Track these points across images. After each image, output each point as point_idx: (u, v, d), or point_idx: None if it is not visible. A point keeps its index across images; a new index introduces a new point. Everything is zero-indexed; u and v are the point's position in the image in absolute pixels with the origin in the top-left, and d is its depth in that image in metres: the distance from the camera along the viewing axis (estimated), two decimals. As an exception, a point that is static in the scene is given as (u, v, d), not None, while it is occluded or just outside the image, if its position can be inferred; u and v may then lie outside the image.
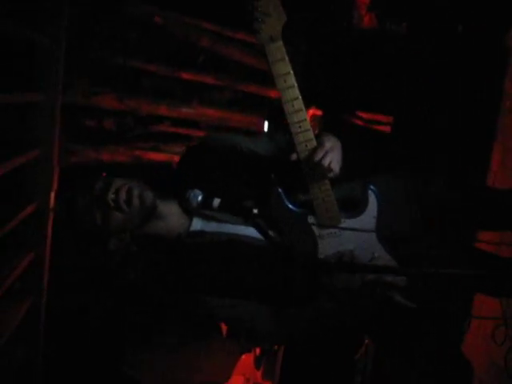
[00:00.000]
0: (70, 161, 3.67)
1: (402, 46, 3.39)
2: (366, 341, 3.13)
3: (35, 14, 2.70)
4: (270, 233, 1.62)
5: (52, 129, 2.94)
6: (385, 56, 3.44)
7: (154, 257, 1.66)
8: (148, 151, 4.19)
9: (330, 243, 1.65)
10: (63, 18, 2.82)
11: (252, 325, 1.67)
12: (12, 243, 2.82)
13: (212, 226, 1.66)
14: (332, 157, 1.56)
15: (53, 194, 2.97)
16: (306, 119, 1.58)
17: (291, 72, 1.55)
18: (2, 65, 2.56)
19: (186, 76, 4.16)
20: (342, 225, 1.63)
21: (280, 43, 1.54)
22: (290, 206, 1.65)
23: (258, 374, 4.27)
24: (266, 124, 4.36)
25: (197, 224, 1.66)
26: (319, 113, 3.82)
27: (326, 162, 1.55)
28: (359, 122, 3.71)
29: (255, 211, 1.52)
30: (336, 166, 1.59)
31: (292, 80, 1.56)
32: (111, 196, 1.55)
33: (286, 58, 1.54)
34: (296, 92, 1.56)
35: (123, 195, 1.56)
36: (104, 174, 1.62)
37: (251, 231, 1.64)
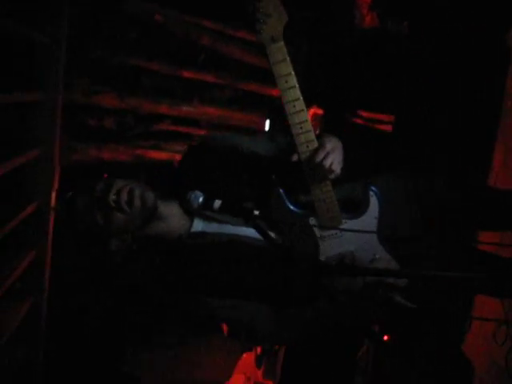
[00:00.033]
0: (71, 159, 3.67)
1: (404, 46, 3.39)
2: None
3: (36, 13, 2.70)
4: (271, 234, 1.62)
5: (52, 128, 2.94)
6: (386, 55, 3.44)
7: (154, 257, 1.66)
8: (149, 150, 4.19)
9: (331, 244, 1.65)
10: (63, 17, 2.82)
11: (252, 325, 1.67)
12: (13, 243, 2.82)
13: (213, 227, 1.66)
14: (333, 158, 1.56)
15: (54, 194, 2.97)
16: (307, 120, 1.57)
17: (292, 73, 1.55)
18: (3, 64, 2.56)
19: (186, 74, 4.15)
20: (343, 226, 1.63)
21: (281, 44, 1.54)
22: (291, 206, 1.65)
23: (259, 373, 4.27)
24: (268, 123, 4.35)
25: (198, 225, 1.65)
26: (320, 112, 3.82)
27: (327, 164, 1.55)
28: (360, 121, 3.71)
29: (256, 213, 1.52)
30: (337, 167, 1.58)
31: (293, 81, 1.55)
32: (112, 197, 1.55)
33: (288, 59, 1.54)
34: (297, 93, 1.56)
35: (125, 196, 1.55)
36: (105, 175, 1.62)
37: (252, 232, 1.64)
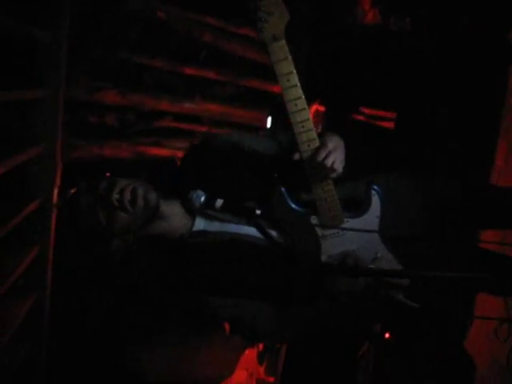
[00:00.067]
0: (72, 156, 3.67)
1: (406, 42, 3.38)
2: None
3: (37, 10, 2.69)
4: (273, 234, 1.62)
5: (54, 125, 2.93)
6: (388, 52, 3.43)
7: (156, 257, 1.66)
8: (150, 146, 4.19)
9: (333, 243, 1.65)
10: (65, 15, 2.81)
11: (254, 324, 1.67)
12: (15, 240, 2.82)
13: (214, 226, 1.66)
14: (335, 157, 1.56)
15: (56, 191, 2.97)
16: (308, 119, 1.57)
17: (294, 71, 1.54)
18: (5, 62, 2.56)
19: (188, 71, 4.15)
20: (345, 225, 1.63)
21: (283, 42, 1.53)
22: (293, 205, 1.64)
23: (261, 369, 4.28)
24: (269, 120, 4.34)
25: (199, 224, 1.66)
26: (322, 109, 3.82)
27: (328, 162, 1.55)
28: (362, 118, 3.70)
29: (258, 212, 1.51)
30: (339, 166, 1.58)
31: (295, 79, 1.55)
32: (116, 196, 1.55)
33: (289, 57, 1.54)
34: (299, 91, 1.55)
35: (128, 196, 1.56)
36: (107, 174, 1.62)
37: (254, 231, 1.64)
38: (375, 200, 1.66)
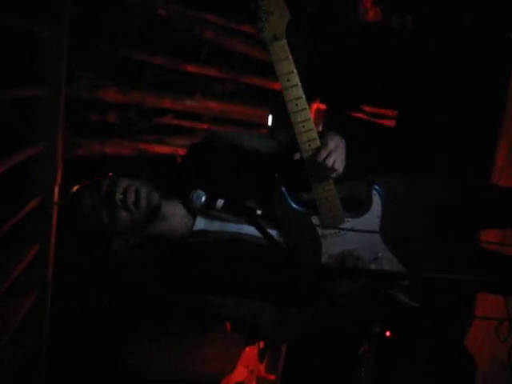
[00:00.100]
0: (74, 154, 3.67)
1: (407, 40, 3.37)
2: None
3: (38, 8, 2.69)
4: (273, 233, 1.62)
5: (55, 123, 2.93)
6: (390, 50, 3.43)
7: (157, 256, 1.66)
8: (152, 144, 4.19)
9: (334, 243, 1.64)
10: (65, 12, 2.81)
11: (255, 323, 1.67)
12: (16, 237, 2.83)
13: (215, 225, 1.66)
14: (336, 157, 1.55)
15: (57, 189, 2.97)
16: (309, 119, 1.57)
17: (295, 71, 1.54)
18: (5, 59, 2.56)
19: (189, 69, 4.14)
20: (346, 224, 1.63)
21: (284, 41, 1.53)
22: (294, 205, 1.64)
23: (262, 366, 4.29)
24: (270, 118, 4.34)
25: (200, 223, 1.66)
26: (323, 107, 3.81)
27: (329, 162, 1.54)
28: (364, 116, 3.70)
29: (259, 212, 1.51)
30: (340, 166, 1.58)
31: (296, 79, 1.54)
32: (119, 196, 1.56)
33: (290, 57, 1.53)
34: (300, 91, 1.55)
35: (131, 196, 1.56)
36: (110, 174, 1.62)
37: (254, 230, 1.64)
38: (376, 200, 1.65)
